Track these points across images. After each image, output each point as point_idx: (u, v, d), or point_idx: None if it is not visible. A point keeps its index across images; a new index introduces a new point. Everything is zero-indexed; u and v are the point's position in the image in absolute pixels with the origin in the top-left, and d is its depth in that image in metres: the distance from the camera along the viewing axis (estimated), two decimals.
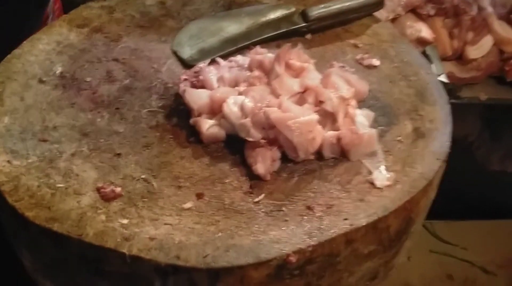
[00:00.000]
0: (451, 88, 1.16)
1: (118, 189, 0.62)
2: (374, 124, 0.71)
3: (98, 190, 0.62)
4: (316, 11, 0.88)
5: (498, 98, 1.20)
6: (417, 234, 0.73)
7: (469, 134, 1.42)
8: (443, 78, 1.12)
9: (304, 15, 0.88)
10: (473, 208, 1.42)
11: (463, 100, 1.17)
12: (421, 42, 1.15)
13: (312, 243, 0.58)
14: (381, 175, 0.65)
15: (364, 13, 0.90)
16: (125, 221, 0.59)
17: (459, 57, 1.20)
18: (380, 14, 0.94)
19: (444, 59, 1.19)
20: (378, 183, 0.64)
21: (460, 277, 1.31)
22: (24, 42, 0.81)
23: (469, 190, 1.47)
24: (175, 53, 0.82)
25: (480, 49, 1.19)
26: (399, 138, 0.71)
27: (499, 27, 1.20)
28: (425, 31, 1.16)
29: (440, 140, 0.71)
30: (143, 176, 0.64)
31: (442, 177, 0.72)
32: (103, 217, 0.59)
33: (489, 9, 1.22)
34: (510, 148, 1.34)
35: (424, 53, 1.15)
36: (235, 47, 0.84)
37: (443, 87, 0.82)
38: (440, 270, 1.39)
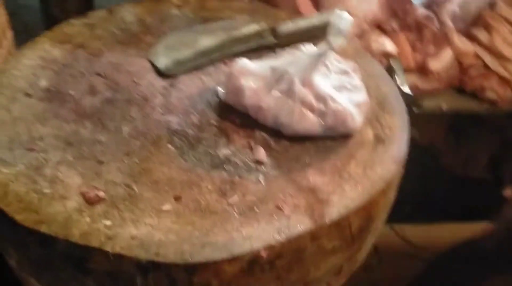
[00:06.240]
0: (414, 99, 1.24)
1: (101, 193, 0.67)
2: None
3: (82, 194, 0.67)
4: (285, 28, 0.94)
5: (458, 108, 1.28)
6: (380, 232, 0.79)
7: (434, 141, 1.50)
8: (406, 89, 1.20)
9: (273, 31, 0.94)
10: (439, 211, 1.49)
11: (426, 110, 1.25)
12: (386, 55, 1.23)
13: (281, 239, 0.64)
14: None
15: None
16: (108, 222, 0.64)
17: (422, 69, 1.29)
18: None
19: (407, 71, 1.26)
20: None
21: None
22: (9, 57, 0.85)
23: (435, 194, 1.54)
24: (151, 63, 0.88)
25: (441, 61, 1.27)
26: (361, 144, 0.77)
27: (459, 40, 1.28)
28: (389, 45, 1.23)
29: (398, 146, 0.77)
30: (124, 182, 0.69)
31: (407, 181, 0.79)
32: (87, 219, 0.64)
33: (449, 23, 1.31)
34: (471, 154, 1.43)
35: (388, 66, 1.22)
36: (208, 59, 0.89)
37: (405, 97, 0.89)
38: (410, 272, 1.46)
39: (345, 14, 0.72)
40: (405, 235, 1.55)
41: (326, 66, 0.78)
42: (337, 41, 0.72)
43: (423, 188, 1.60)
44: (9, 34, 1.92)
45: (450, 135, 1.50)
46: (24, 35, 2.13)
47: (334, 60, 0.80)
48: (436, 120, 1.40)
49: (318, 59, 0.75)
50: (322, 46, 0.75)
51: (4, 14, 1.89)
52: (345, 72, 0.79)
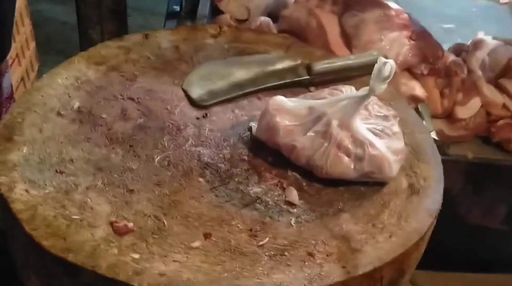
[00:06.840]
0: (440, 145, 1.22)
1: (131, 224, 0.65)
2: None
3: (111, 224, 0.65)
4: (320, 66, 0.94)
5: (484, 157, 1.27)
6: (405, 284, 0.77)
7: (452, 187, 1.47)
8: (433, 135, 1.18)
9: (308, 68, 0.94)
10: (454, 260, 1.46)
11: (451, 157, 1.23)
12: (414, 99, 1.22)
13: None
14: None
15: (364, 72, 0.96)
16: (136, 256, 0.62)
17: (449, 116, 1.27)
18: None
19: (434, 116, 1.25)
20: None
21: None
22: (44, 75, 0.85)
23: (450, 242, 1.51)
24: (185, 92, 0.87)
25: (469, 109, 1.26)
26: (395, 193, 0.75)
27: (487, 90, 1.27)
28: (418, 89, 1.22)
29: (432, 198, 0.76)
30: (154, 213, 0.68)
31: None
32: (115, 250, 0.62)
33: (479, 72, 1.30)
34: (490, 205, 1.40)
35: (416, 110, 1.21)
36: (241, 92, 0.89)
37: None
38: None
39: (390, 61, 0.71)
40: (417, 282, 1.52)
41: (367, 110, 0.77)
42: (380, 87, 0.71)
43: (438, 234, 1.58)
44: (32, 45, 1.93)
45: (469, 184, 1.47)
46: (46, 46, 2.16)
47: (375, 105, 0.79)
48: (457, 167, 1.38)
49: (359, 103, 0.74)
50: (364, 90, 0.74)
51: (29, 25, 1.91)
52: (385, 118, 0.78)
